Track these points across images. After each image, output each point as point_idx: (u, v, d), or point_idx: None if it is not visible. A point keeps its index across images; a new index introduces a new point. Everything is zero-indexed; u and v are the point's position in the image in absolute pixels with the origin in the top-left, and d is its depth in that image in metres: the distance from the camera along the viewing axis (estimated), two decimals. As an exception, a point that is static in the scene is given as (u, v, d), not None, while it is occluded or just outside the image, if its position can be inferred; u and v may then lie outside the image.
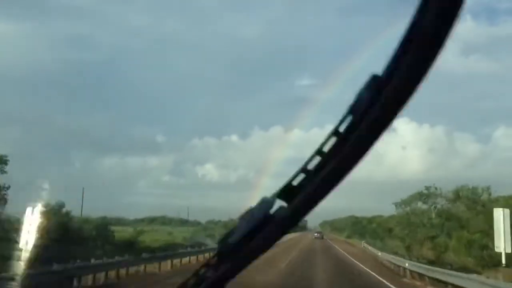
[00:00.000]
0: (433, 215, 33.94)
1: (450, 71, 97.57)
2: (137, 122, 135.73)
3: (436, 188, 34.46)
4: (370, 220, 73.96)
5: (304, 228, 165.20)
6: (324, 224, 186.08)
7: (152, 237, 36.54)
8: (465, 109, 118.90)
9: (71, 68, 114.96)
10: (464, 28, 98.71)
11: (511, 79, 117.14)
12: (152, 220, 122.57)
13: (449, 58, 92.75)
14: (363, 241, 47.50)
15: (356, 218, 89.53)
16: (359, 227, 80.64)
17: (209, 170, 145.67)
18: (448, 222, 29.99)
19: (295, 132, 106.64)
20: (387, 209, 48.72)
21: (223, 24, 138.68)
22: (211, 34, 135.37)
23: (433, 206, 34.57)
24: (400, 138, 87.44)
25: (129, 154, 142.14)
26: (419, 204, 36.03)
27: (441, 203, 34.91)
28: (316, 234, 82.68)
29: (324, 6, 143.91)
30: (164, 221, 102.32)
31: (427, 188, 34.83)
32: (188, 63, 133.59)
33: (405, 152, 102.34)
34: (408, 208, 36.50)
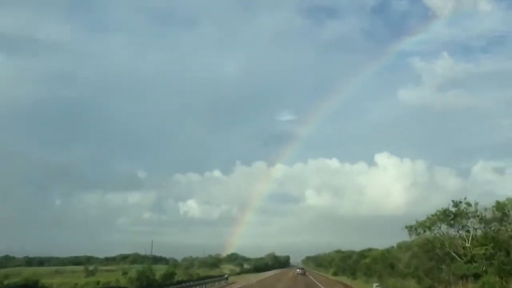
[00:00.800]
0: (468, 242, 23.55)
1: (429, 106, 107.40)
2: (118, 158, 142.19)
3: (468, 204, 24.19)
4: (361, 254, 63.31)
5: (287, 265, 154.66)
6: (307, 260, 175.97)
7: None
8: (444, 144, 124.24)
9: (52, 104, 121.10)
10: (442, 65, 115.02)
11: (487, 114, 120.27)
12: (124, 258, 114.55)
13: (427, 94, 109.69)
14: (376, 285, 32.46)
15: (343, 252, 78.49)
16: (348, 262, 69.74)
17: (192, 206, 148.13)
18: (499, 252, 19.68)
19: (278, 167, 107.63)
20: (371, 243, 50.50)
21: (205, 61, 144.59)
22: (193, 71, 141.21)
23: (465, 230, 24.14)
24: (381, 173, 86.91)
25: (110, 190, 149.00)
26: (443, 227, 25.61)
27: (474, 225, 24.57)
28: (298, 270, 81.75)
29: (304, 44, 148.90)
30: (136, 258, 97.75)
31: (455, 204, 24.58)
32: (170, 99, 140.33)
33: (386, 186, 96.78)
34: (428, 233, 25.96)
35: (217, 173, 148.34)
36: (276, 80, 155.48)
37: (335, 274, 75.99)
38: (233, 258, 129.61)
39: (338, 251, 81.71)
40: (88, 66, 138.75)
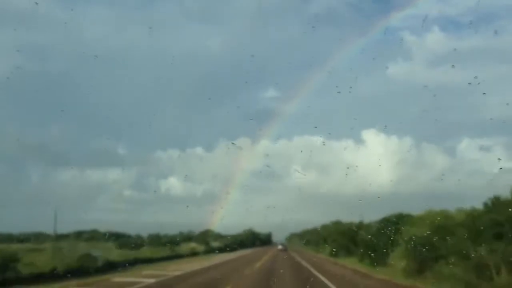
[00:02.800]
0: None
1: (418, 82, 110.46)
2: (97, 134, 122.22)
3: None
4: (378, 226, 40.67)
5: (268, 242, 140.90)
6: (291, 237, 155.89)
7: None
8: (431, 121, 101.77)
9: (27, 78, 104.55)
10: (432, 39, 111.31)
11: (475, 91, 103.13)
12: (78, 235, 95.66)
13: (417, 70, 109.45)
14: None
15: (343, 224, 55.70)
16: (354, 238, 47.37)
17: (173, 183, 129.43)
18: None
19: (262, 144, 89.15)
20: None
21: (187, 34, 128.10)
22: (173, 45, 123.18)
23: None
24: (368, 150, 78.41)
25: (89, 167, 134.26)
26: None
27: None
28: (280, 246, 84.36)
29: (290, 18, 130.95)
30: (94, 235, 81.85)
31: None
32: (151, 74, 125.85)
33: (373, 163, 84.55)
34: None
35: (199, 150, 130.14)
36: (261, 55, 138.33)
37: (333, 254, 53.45)
38: (208, 235, 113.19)
39: (337, 223, 58.92)
40: (64, 39, 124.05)
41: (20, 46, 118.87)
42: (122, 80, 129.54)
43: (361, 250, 39.62)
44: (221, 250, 77.93)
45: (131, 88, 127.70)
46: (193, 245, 79.05)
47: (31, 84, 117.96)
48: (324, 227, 64.02)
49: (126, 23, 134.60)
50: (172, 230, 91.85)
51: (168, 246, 57.20)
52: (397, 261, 28.09)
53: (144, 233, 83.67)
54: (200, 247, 76.50)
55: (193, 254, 62.50)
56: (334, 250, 54.05)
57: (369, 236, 36.67)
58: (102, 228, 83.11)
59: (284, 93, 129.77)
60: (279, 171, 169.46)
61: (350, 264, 37.73)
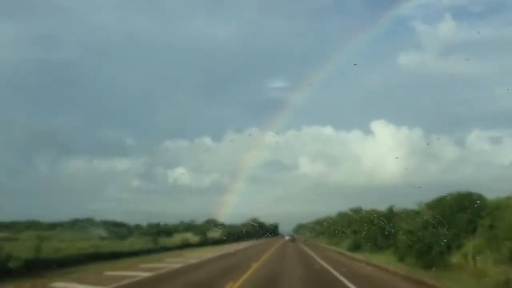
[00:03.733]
0: None
1: (429, 72, 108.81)
2: (106, 124, 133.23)
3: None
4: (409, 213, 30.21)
5: (275, 233, 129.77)
6: (300, 228, 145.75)
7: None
8: (442, 112, 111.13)
9: (36, 68, 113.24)
10: (443, 29, 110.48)
11: (484, 82, 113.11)
12: (73, 223, 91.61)
13: (428, 59, 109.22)
14: None
15: (368, 212, 44.74)
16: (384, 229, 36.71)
17: (181, 173, 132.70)
18: None
19: (271, 135, 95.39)
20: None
21: (194, 24, 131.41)
22: (182, 34, 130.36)
23: None
24: (377, 141, 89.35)
25: (97, 157, 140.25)
26: None
27: None
28: (287, 237, 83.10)
29: (298, 8, 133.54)
30: (88, 223, 79.75)
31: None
32: (158, 63, 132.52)
33: (383, 155, 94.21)
34: None
35: (207, 140, 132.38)
36: (269, 45, 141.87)
37: (354, 248, 42.71)
38: (210, 225, 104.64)
39: (358, 210, 47.86)
40: (73, 28, 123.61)
41: (28, 36, 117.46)
42: (130, 70, 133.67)
43: (398, 246, 28.81)
44: (220, 241, 67.87)
45: (139, 78, 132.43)
46: (187, 235, 68.88)
47: (40, 74, 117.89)
48: (342, 215, 53.02)
49: (135, 13, 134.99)
50: (177, 220, 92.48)
51: (152, 238, 46.79)
52: (485, 262, 17.15)
53: (147, 223, 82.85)
54: (195, 238, 66.33)
55: (184, 246, 52.08)
56: (356, 243, 43.31)
57: (410, 229, 25.65)
58: (109, 217, 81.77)
59: (293, 83, 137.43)
60: (287, 162, 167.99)
61: (387, 263, 26.77)
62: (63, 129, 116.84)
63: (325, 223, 78.95)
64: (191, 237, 67.62)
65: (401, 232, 28.07)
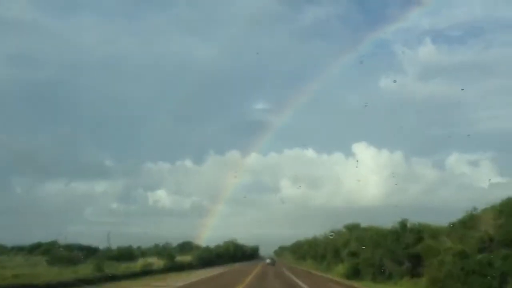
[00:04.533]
0: None
1: (409, 95, 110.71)
2: (84, 145, 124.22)
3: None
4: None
5: (254, 256, 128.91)
6: (281, 250, 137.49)
7: None
8: (422, 134, 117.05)
9: (15, 87, 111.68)
10: (423, 53, 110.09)
11: (464, 106, 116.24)
12: (35, 247, 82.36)
13: (408, 83, 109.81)
14: None
15: (372, 229, 36.11)
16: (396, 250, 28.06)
17: (162, 196, 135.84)
18: None
19: (252, 156, 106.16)
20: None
21: (177, 45, 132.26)
22: (165, 55, 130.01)
23: None
24: (359, 163, 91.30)
25: (75, 179, 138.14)
26: None
27: None
28: (268, 260, 77.84)
29: (280, 30, 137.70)
30: (50, 247, 72.22)
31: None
32: (140, 84, 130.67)
33: (364, 177, 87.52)
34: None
35: (188, 162, 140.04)
36: (252, 67, 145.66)
37: (351, 275, 33.77)
38: (186, 248, 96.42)
39: (356, 226, 39.06)
40: (54, 47, 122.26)
41: (11, 55, 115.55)
42: (110, 91, 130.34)
43: (431, 273, 20.07)
44: (188, 267, 58.23)
45: (120, 98, 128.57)
46: (151, 260, 58.93)
47: (19, 93, 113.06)
48: (337, 234, 43.89)
49: (117, 32, 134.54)
50: (152, 243, 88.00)
51: (95, 264, 37.06)
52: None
53: (124, 245, 76.21)
54: (159, 263, 56.40)
55: (143, 273, 42.36)
56: (354, 268, 34.39)
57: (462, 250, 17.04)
58: (83, 240, 76.36)
59: (275, 105, 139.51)
60: (269, 184, 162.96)
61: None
62: (41, 150, 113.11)
63: (306, 246, 70.18)
64: (155, 261, 57.65)
65: (436, 254, 19.41)
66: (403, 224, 28.93)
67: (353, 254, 36.06)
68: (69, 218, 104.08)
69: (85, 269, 37.75)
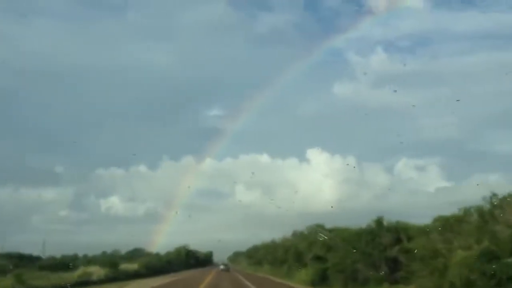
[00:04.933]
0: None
1: (362, 102, 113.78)
2: (33, 151, 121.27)
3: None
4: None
5: (208, 262, 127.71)
6: (236, 256, 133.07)
7: None
8: (373, 140, 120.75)
9: None
10: (375, 61, 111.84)
11: (412, 113, 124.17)
12: None
13: (361, 90, 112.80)
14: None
15: (342, 230, 32.32)
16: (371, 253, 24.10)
17: (114, 203, 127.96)
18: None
19: (207, 162, 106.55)
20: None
21: (132, 51, 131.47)
22: (118, 60, 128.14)
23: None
24: (312, 168, 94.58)
25: (23, 186, 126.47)
26: None
27: None
28: (222, 266, 77.15)
29: (236, 37, 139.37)
30: None
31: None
32: (93, 89, 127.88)
33: (318, 182, 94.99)
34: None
35: (142, 168, 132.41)
36: (207, 73, 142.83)
37: (317, 283, 29.80)
38: (136, 255, 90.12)
39: (319, 228, 34.99)
40: (5, 52, 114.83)
41: None
42: (62, 97, 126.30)
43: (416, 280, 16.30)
44: (135, 276, 52.71)
45: (72, 104, 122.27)
46: (92, 269, 52.72)
47: None
48: (301, 236, 39.63)
49: (71, 37, 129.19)
50: (99, 251, 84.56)
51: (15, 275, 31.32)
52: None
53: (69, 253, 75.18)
54: (100, 272, 50.41)
55: (80, 284, 36.72)
56: (321, 274, 30.44)
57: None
58: (28, 249, 68.88)
59: (230, 112, 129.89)
60: (224, 190, 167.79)
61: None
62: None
63: (263, 250, 66.16)
64: (96, 270, 51.51)
65: (434, 257, 15.61)
66: (379, 222, 25.26)
67: (319, 258, 32.19)
68: (15, 226, 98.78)
69: (6, 281, 32.03)
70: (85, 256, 75.96)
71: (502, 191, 16.63)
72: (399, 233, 24.56)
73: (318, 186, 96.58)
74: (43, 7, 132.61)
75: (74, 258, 72.63)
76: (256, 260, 78.47)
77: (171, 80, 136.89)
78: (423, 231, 20.27)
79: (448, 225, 16.99)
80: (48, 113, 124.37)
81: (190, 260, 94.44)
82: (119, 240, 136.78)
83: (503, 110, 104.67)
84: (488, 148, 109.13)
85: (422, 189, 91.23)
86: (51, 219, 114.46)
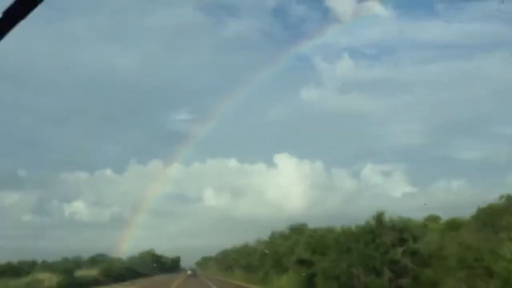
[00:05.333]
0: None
1: (329, 108, 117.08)
2: None
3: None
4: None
5: (174, 268, 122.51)
6: (205, 261, 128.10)
7: None
8: (340, 146, 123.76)
9: None
10: (342, 66, 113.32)
11: (378, 120, 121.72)
12: None
13: (328, 96, 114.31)
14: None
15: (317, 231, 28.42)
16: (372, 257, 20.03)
17: (79, 207, 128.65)
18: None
19: (175, 167, 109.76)
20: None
21: (97, 53, 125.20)
22: (83, 62, 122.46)
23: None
24: (280, 173, 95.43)
25: None
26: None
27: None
28: (189, 272, 77.09)
29: (204, 41, 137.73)
30: None
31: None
32: (56, 91, 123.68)
33: (286, 187, 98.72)
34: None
35: (109, 172, 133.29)
36: (174, 77, 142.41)
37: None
38: (99, 261, 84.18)
39: (301, 228, 30.88)
40: None
41: None
42: (23, 98, 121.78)
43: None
44: (92, 283, 47.46)
45: (34, 106, 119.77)
46: (44, 276, 47.22)
47: None
48: (281, 238, 35.32)
49: (33, 37, 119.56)
50: (65, 255, 79.07)
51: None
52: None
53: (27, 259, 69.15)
54: (53, 280, 44.94)
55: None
56: (305, 282, 26.36)
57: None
58: None
59: (197, 116, 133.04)
60: (191, 194, 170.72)
61: None
62: None
63: (235, 254, 61.72)
64: (48, 278, 45.89)
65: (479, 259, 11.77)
66: (378, 219, 21.42)
67: (303, 262, 28.11)
68: None
69: None
70: (43, 262, 70.50)
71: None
72: (403, 232, 20.83)
73: (286, 190, 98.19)
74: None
75: (32, 264, 67.46)
76: (227, 265, 73.93)
77: (137, 83, 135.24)
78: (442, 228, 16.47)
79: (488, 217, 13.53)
80: (10, 117, 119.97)
81: (156, 265, 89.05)
82: (83, 245, 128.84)
83: (465, 117, 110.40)
84: (451, 154, 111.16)
85: (388, 194, 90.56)
86: (12, 224, 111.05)
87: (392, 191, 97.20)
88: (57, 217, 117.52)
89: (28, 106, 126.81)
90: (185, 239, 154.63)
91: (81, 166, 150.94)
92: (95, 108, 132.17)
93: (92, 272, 55.21)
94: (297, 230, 32.96)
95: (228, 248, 77.04)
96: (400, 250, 20.55)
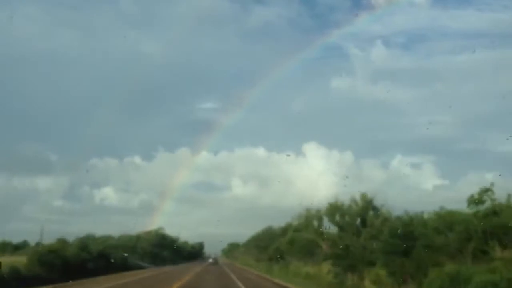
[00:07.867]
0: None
1: (359, 98, 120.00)
2: (26, 138, 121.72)
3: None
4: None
5: (197, 256, 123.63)
6: (232, 248, 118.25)
7: None
8: (369, 136, 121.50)
9: None
10: (374, 56, 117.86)
11: (407, 110, 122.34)
12: None
13: (358, 85, 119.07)
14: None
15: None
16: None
17: (108, 194, 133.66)
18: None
19: (203, 155, 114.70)
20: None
21: (124, 41, 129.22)
22: (109, 49, 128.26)
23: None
24: (309, 163, 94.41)
25: (16, 174, 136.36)
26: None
27: None
28: (210, 260, 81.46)
29: (229, 29, 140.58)
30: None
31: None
32: (86, 78, 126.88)
33: (314, 177, 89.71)
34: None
35: (137, 159, 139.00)
36: (200, 65, 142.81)
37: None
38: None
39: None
40: None
41: None
42: (55, 84, 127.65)
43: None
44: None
45: (65, 92, 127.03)
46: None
47: None
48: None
49: (60, 25, 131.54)
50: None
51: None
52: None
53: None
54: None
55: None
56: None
57: None
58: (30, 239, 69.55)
59: (224, 104, 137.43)
60: (219, 183, 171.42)
61: None
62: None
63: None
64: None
65: None
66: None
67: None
68: (8, 215, 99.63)
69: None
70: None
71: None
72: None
73: (314, 180, 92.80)
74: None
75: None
76: (260, 252, 61.20)
77: (164, 71, 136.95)
78: None
79: None
80: (42, 102, 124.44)
81: (161, 252, 79.95)
82: (112, 230, 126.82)
83: (497, 109, 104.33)
84: (482, 147, 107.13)
85: (419, 186, 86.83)
86: (45, 208, 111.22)
87: (423, 183, 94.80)
88: (87, 203, 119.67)
89: (58, 91, 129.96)
90: (211, 226, 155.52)
91: (110, 152, 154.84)
92: (124, 96, 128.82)
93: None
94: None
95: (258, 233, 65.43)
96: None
